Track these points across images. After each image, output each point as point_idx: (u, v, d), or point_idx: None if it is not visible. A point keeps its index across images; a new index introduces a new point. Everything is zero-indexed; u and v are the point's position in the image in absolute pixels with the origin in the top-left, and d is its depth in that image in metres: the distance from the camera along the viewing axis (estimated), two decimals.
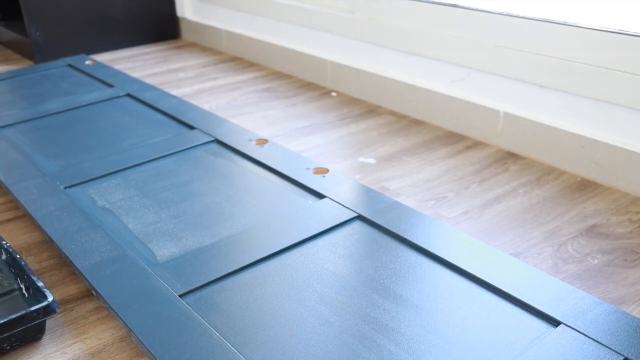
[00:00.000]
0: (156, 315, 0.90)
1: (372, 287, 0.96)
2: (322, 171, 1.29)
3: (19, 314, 0.91)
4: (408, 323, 0.88)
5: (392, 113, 1.80)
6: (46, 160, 1.39)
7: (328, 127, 1.71)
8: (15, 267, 1.05)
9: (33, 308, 0.92)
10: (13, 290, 1.05)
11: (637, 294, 1.02)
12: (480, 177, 1.41)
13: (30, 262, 1.14)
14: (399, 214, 1.13)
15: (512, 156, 1.51)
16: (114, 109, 1.68)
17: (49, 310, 0.94)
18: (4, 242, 1.09)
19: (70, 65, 2.06)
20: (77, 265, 1.01)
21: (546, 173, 1.43)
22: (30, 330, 0.94)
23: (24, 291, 1.03)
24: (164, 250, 1.07)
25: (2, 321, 0.90)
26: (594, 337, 0.83)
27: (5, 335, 0.91)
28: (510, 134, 1.54)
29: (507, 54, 1.52)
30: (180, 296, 0.94)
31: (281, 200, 1.21)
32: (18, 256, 1.04)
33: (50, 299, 0.94)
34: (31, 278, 0.99)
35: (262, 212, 1.17)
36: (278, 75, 2.16)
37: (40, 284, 0.97)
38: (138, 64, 2.35)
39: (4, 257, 1.09)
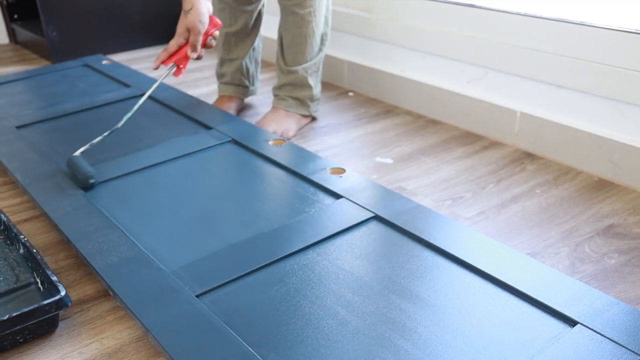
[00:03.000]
0: (173, 315, 0.90)
1: (389, 287, 0.96)
2: (339, 171, 1.29)
3: (31, 307, 0.92)
4: (425, 323, 0.88)
5: (409, 113, 1.80)
6: (63, 160, 1.39)
7: (345, 127, 1.71)
8: (32, 261, 1.06)
9: (45, 302, 0.93)
10: (29, 284, 1.06)
11: None
12: (497, 177, 1.41)
13: (48, 262, 1.15)
14: (416, 214, 1.13)
15: (529, 156, 1.50)
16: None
17: (61, 304, 0.94)
18: (21, 237, 1.10)
19: (87, 65, 2.07)
20: (94, 265, 1.01)
21: (563, 173, 1.42)
22: (43, 324, 0.95)
23: (39, 285, 1.04)
24: (181, 250, 1.07)
25: (14, 314, 0.90)
26: (611, 337, 0.83)
27: (18, 328, 0.92)
28: (527, 134, 1.53)
29: (524, 54, 1.52)
30: (197, 296, 0.95)
31: (298, 201, 1.21)
32: (35, 250, 1.05)
33: (62, 293, 0.94)
34: (46, 272, 1.00)
35: (279, 213, 1.17)
36: None
37: (54, 278, 0.98)
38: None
39: (21, 251, 1.10)
